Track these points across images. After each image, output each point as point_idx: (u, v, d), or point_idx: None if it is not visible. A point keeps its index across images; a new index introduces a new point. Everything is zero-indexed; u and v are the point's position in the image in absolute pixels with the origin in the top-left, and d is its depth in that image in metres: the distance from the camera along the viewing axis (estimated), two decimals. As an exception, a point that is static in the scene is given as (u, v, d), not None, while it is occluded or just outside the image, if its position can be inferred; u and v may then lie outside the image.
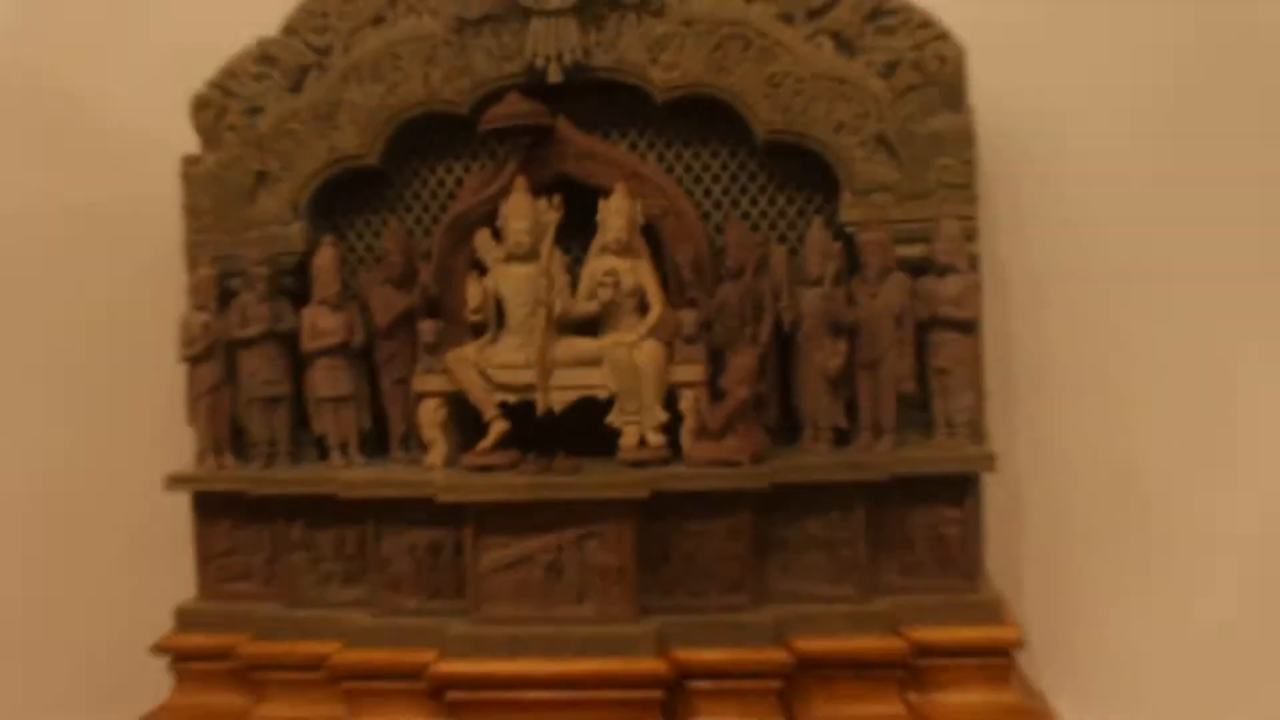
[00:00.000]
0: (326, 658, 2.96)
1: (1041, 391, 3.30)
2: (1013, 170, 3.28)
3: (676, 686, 2.85)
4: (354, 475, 3.00)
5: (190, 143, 3.22)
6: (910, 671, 2.88)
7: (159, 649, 3.11)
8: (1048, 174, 3.26)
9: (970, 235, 2.94)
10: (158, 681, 3.19)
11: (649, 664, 2.83)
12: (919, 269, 2.96)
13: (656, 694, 2.82)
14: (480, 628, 2.90)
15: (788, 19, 2.99)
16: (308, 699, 3.01)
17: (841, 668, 2.86)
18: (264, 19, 3.17)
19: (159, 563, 3.51)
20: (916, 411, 2.99)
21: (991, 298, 3.20)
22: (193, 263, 3.18)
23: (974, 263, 2.95)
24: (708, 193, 3.16)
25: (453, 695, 2.87)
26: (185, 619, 3.13)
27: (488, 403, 3.01)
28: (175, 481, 3.13)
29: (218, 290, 3.14)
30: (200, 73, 3.21)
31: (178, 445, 3.37)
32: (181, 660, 3.12)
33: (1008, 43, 3.22)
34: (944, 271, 2.92)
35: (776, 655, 2.83)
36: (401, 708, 2.95)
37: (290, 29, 3.17)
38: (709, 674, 2.85)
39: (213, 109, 3.16)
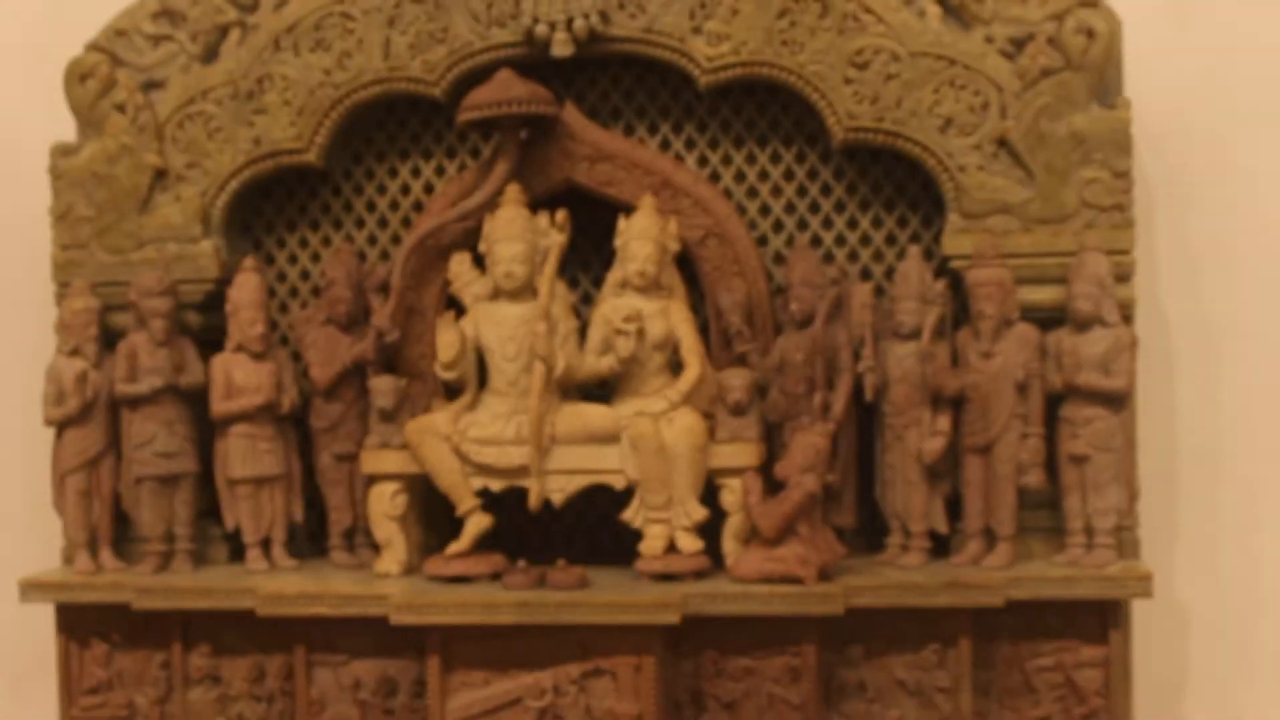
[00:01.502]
0: (236, 834, 2.98)
1: (1216, 489, 3.31)
2: (1181, 187, 3.29)
3: None
4: (279, 584, 3.00)
5: (63, 126, 3.25)
6: None
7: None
8: (1229, 192, 3.28)
9: (1124, 275, 2.97)
10: None
11: None
12: (1052, 320, 2.97)
13: None
14: (447, 798, 2.90)
15: (880, -23, 3.02)
16: None
17: None
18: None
19: (5, 702, 3.51)
20: (1044, 512, 3.01)
21: (1150, 360, 3.21)
22: (64, 291, 3.19)
23: (1128, 313, 2.97)
24: (765, 210, 3.19)
25: None
26: (44, 774, 3.19)
27: (463, 490, 3.03)
28: (32, 588, 3.10)
29: (98, 329, 3.15)
30: (78, 31, 3.24)
31: (40, 538, 3.39)
32: (37, 833, 3.17)
33: (1176, 12, 3.25)
34: (1086, 324, 2.92)
35: (849, 844, 2.85)
36: None
37: (204, -26, 3.19)
38: None
39: (95, 81, 3.19)
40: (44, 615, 3.21)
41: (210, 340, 3.20)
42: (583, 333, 3.10)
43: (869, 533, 3.11)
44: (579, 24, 3.05)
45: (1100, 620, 2.93)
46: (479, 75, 3.11)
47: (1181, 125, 3.27)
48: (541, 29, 3.06)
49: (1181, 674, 3.33)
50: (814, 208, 3.19)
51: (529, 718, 2.92)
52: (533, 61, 3.11)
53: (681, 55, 3.07)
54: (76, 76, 3.21)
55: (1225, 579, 3.32)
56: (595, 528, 3.18)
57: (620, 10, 3.07)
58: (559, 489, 3.01)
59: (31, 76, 3.40)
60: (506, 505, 3.07)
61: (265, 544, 3.16)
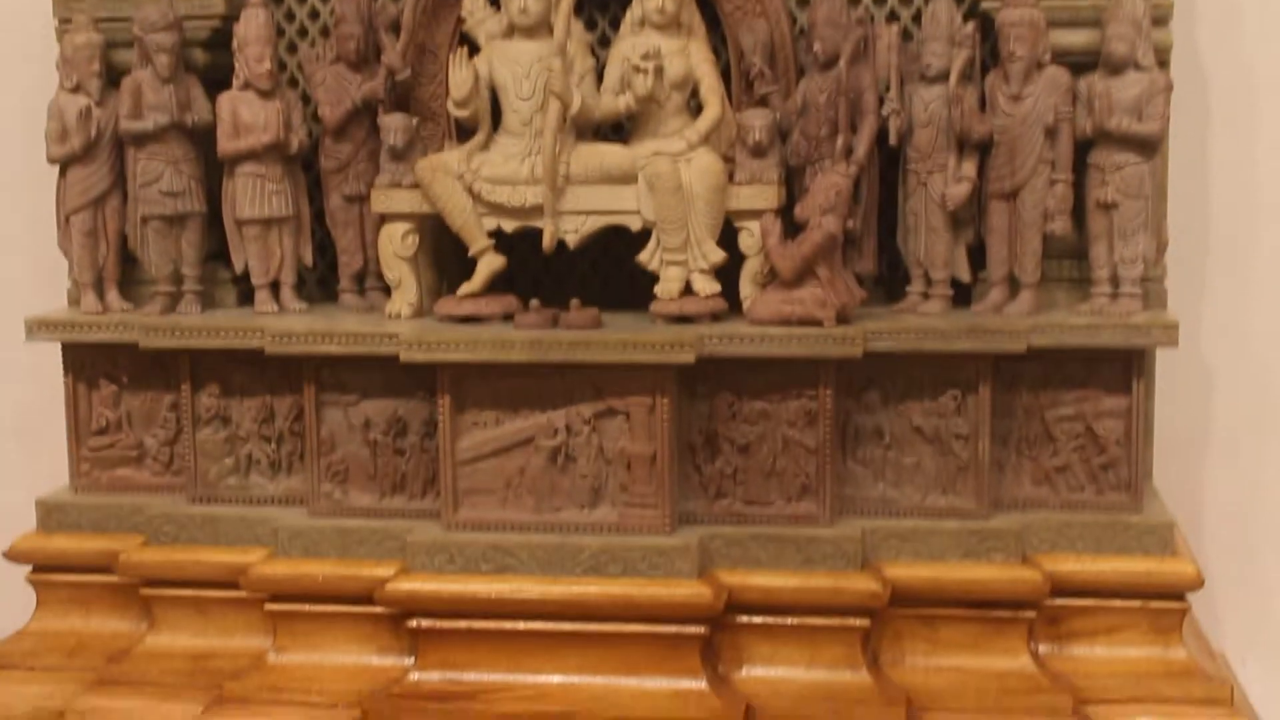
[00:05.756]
0: (244, 570, 3.02)
1: (1247, 245, 3.33)
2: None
3: (723, 621, 2.91)
4: (288, 324, 3.04)
5: None
6: (1044, 615, 2.94)
7: (12, 555, 3.18)
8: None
9: (1161, 18, 2.96)
10: (11, 599, 3.30)
11: (688, 589, 2.88)
12: (1084, 66, 2.98)
13: (696, 630, 2.88)
14: (456, 534, 2.97)
15: None
16: (216, 625, 3.10)
17: (949, 605, 2.93)
18: None
19: (11, 443, 3.62)
20: (1069, 262, 3.03)
21: (1184, 109, 3.20)
22: (65, 24, 3.18)
23: (1163, 58, 2.96)
24: (789, -54, 3.17)
25: (417, 624, 2.94)
26: (51, 516, 3.19)
27: (475, 230, 3.05)
28: (39, 327, 3.16)
29: (101, 65, 3.16)
30: None
31: (46, 277, 3.42)
32: (44, 571, 3.20)
33: None
34: (1119, 68, 2.93)
35: (861, 584, 2.89)
36: (344, 638, 3.02)
37: None
38: (768, 607, 2.92)
39: None
40: (51, 357, 3.25)
41: (217, 79, 3.21)
42: (600, 72, 3.09)
43: (889, 283, 3.14)
44: None
45: (1123, 369, 2.97)
46: None
47: None
48: None
49: (1203, 431, 3.39)
50: (840, -56, 3.16)
51: (540, 456, 2.98)
52: None
53: None
54: None
55: (1251, 339, 3.36)
56: (610, 272, 3.19)
57: None
58: (574, 230, 3.03)
59: None
60: (520, 250, 3.10)
61: (274, 287, 3.20)
